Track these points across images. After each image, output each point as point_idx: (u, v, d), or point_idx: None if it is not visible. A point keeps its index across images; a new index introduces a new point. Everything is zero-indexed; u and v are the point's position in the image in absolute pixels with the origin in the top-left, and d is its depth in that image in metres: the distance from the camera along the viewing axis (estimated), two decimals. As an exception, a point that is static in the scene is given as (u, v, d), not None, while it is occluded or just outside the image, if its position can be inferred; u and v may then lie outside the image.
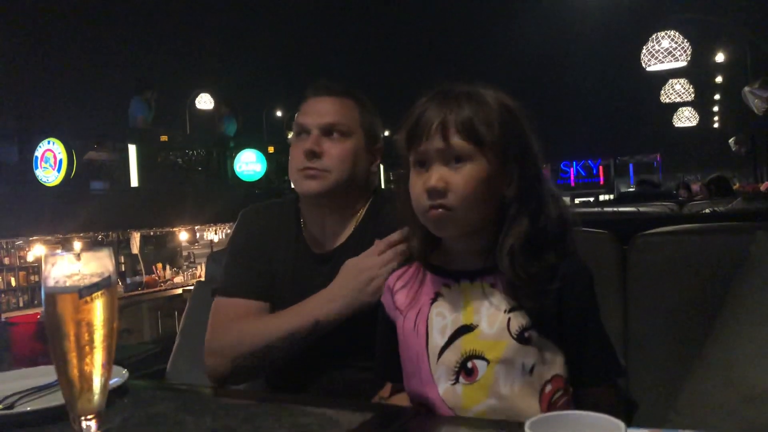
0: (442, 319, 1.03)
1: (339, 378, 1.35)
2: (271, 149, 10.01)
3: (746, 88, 8.62)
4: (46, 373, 1.10)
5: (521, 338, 0.97)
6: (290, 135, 1.49)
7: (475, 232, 1.02)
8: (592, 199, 16.91)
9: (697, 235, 1.38)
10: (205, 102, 11.77)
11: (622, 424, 0.60)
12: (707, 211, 3.07)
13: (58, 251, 0.81)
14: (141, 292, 5.63)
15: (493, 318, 0.99)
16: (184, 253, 9.14)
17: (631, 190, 15.56)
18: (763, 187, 9.43)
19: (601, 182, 24.28)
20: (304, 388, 1.37)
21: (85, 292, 0.77)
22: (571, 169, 24.62)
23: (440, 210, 0.97)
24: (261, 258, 1.45)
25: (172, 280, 6.02)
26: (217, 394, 1.27)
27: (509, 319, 0.98)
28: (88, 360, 0.78)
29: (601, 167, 24.61)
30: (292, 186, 1.45)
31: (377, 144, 1.47)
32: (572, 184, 24.33)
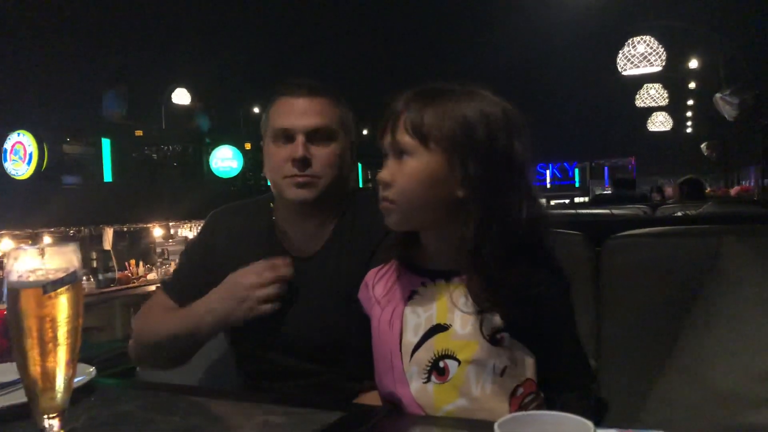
0: (417, 317, 1.02)
1: (315, 379, 1.34)
2: (248, 146, 9.95)
3: (717, 95, 8.80)
4: (7, 371, 1.08)
5: (493, 340, 0.97)
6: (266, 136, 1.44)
7: (441, 229, 1.01)
8: (567, 201, 17.11)
9: (669, 237, 1.40)
10: (181, 97, 11.62)
11: (590, 425, 0.60)
12: (679, 214, 3.12)
13: (23, 246, 0.79)
14: (113, 288, 5.54)
15: (466, 318, 0.99)
16: (158, 250, 9.04)
17: (606, 192, 15.75)
18: (733, 192, 9.62)
19: (577, 185, 24.59)
20: (278, 387, 1.36)
21: (49, 287, 0.75)
22: (547, 171, 24.87)
23: (384, 202, 1.01)
24: (209, 266, 1.41)
25: (146, 277, 5.93)
26: (188, 392, 1.25)
27: (482, 320, 0.98)
28: (51, 357, 0.76)
29: (576, 170, 24.91)
30: (270, 186, 1.43)
31: (355, 142, 1.44)
32: (548, 185, 24.59)
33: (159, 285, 1.49)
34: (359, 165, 14.94)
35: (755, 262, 1.18)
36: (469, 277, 0.99)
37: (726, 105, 8.51)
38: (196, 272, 1.44)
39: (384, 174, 1.01)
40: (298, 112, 1.35)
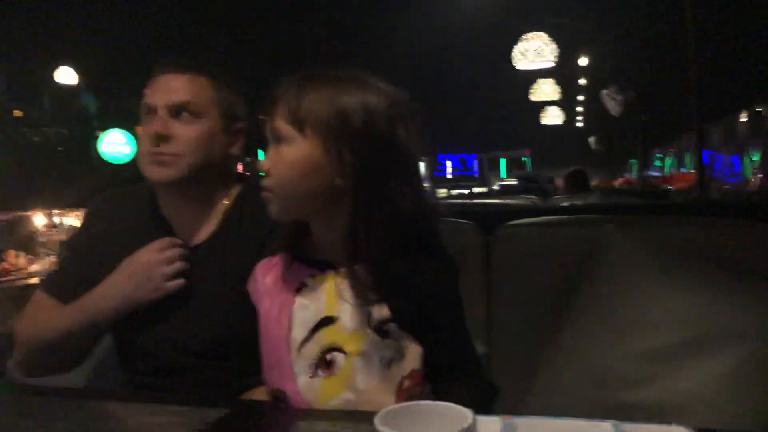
0: (305, 309, 1.00)
1: (203, 374, 1.29)
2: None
3: (603, 91, 9.36)
4: None
5: (380, 331, 0.97)
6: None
7: (325, 219, 1.00)
8: (467, 192, 17.64)
9: (554, 227, 1.47)
10: (66, 76, 10.86)
11: (470, 414, 0.61)
12: (566, 204, 3.30)
13: None
14: (-12, 281, 5.11)
15: (353, 310, 0.97)
16: (42, 239, 8.46)
17: (513, 183, 16.33)
18: (617, 183, 10.29)
19: (477, 175, 25.46)
20: (165, 384, 1.29)
21: None
22: (448, 162, 25.56)
23: (265, 192, 0.99)
24: (95, 260, 1.32)
25: (27, 269, 5.53)
26: (64, 394, 1.16)
27: (370, 311, 0.97)
28: None
29: (476, 161, 25.79)
30: None
31: (237, 124, 1.35)
32: (449, 176, 25.29)
33: (39, 285, 1.37)
34: (258, 152, 14.65)
35: (632, 250, 1.26)
36: (350, 267, 0.97)
37: (611, 101, 9.08)
38: (81, 267, 1.34)
39: (263, 162, 0.98)
40: (164, 87, 1.28)
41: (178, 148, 1.25)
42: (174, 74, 1.29)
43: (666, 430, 0.76)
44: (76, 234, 1.44)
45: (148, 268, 1.22)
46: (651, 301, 1.16)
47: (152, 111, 1.27)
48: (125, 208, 1.39)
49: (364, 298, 0.96)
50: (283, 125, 0.96)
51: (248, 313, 1.14)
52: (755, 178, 8.51)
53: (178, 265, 1.23)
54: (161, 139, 1.24)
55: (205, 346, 1.27)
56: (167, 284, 1.23)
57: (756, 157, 8.32)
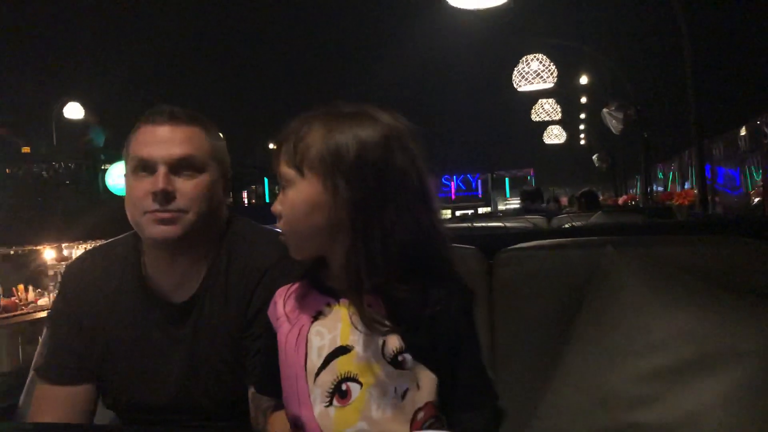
0: (321, 338, 1.01)
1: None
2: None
3: (604, 110, 9.40)
4: None
5: (395, 362, 0.97)
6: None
7: (335, 252, 1.01)
8: (470, 212, 17.58)
9: (556, 249, 1.47)
10: (73, 111, 11.02)
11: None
12: (567, 225, 3.30)
13: None
14: (-2, 317, 5.13)
15: (368, 340, 0.98)
16: (51, 273, 8.50)
17: (515, 204, 16.22)
18: (620, 201, 10.28)
19: (480, 195, 25.45)
20: None
21: None
22: (452, 183, 25.59)
23: (280, 235, 1.03)
24: (80, 329, 1.29)
25: (36, 303, 5.54)
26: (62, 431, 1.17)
27: (384, 341, 0.98)
28: None
29: (480, 181, 25.80)
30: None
31: (229, 172, 1.33)
32: (453, 197, 25.29)
33: (36, 374, 1.32)
34: (265, 180, 14.71)
35: (633, 271, 1.27)
36: (355, 297, 0.98)
37: (612, 119, 9.11)
38: (68, 344, 1.30)
39: (274, 206, 1.02)
40: (160, 140, 1.21)
41: (183, 205, 1.21)
42: (171, 126, 1.23)
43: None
44: (56, 305, 1.37)
45: None
46: (653, 321, 1.16)
47: (150, 166, 1.21)
48: (103, 269, 1.33)
49: (374, 328, 0.97)
50: (285, 169, 1.00)
51: (239, 370, 1.15)
52: (756, 189, 8.51)
53: None
54: (166, 196, 1.19)
55: (204, 410, 1.25)
56: None
57: (758, 177, 8.33)
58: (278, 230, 1.28)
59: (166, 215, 1.20)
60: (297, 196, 0.99)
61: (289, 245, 1.03)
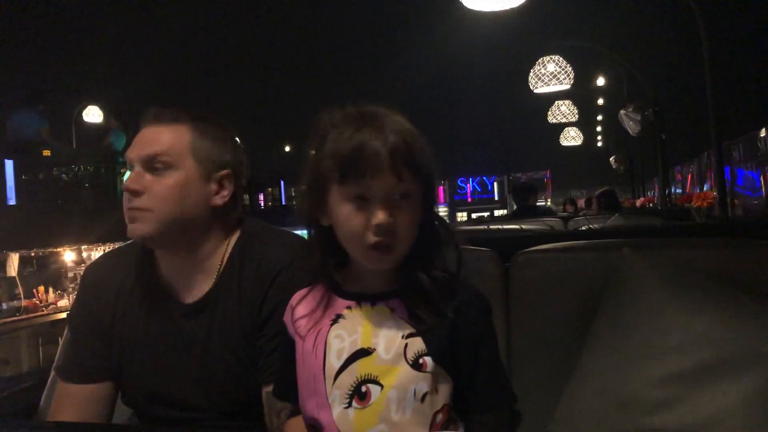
0: (341, 341, 1.02)
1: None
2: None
3: (621, 112, 9.31)
4: None
5: (416, 365, 0.97)
6: None
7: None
8: (486, 214, 17.54)
9: (572, 252, 1.47)
10: (93, 115, 11.18)
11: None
12: (583, 228, 3.28)
13: None
14: (19, 317, 5.21)
15: (390, 343, 0.98)
16: (70, 275, 8.60)
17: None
18: (638, 203, 10.18)
19: (496, 198, 25.35)
20: None
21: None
22: (468, 185, 25.51)
23: (387, 247, 0.97)
24: (99, 329, 1.32)
25: (56, 304, 5.61)
26: (84, 430, 1.19)
27: (406, 344, 0.98)
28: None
29: (495, 183, 25.69)
30: None
31: (222, 171, 1.29)
32: (469, 199, 25.23)
33: (56, 374, 1.36)
34: (281, 182, 14.78)
35: (650, 274, 1.26)
36: (404, 301, 1.00)
37: (629, 121, 9.02)
38: (88, 344, 1.33)
39: (385, 219, 0.97)
40: (139, 140, 1.27)
41: (148, 203, 1.22)
42: (153, 126, 1.27)
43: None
44: (74, 308, 1.41)
45: None
46: (671, 324, 1.16)
47: (131, 165, 1.26)
48: (119, 270, 1.36)
49: (403, 331, 0.98)
50: (409, 179, 0.98)
51: (254, 369, 1.15)
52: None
53: None
54: (133, 194, 1.22)
55: (210, 405, 1.27)
56: None
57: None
58: (293, 232, 1.28)
59: (131, 213, 1.23)
60: (415, 206, 0.99)
61: (391, 257, 0.99)
